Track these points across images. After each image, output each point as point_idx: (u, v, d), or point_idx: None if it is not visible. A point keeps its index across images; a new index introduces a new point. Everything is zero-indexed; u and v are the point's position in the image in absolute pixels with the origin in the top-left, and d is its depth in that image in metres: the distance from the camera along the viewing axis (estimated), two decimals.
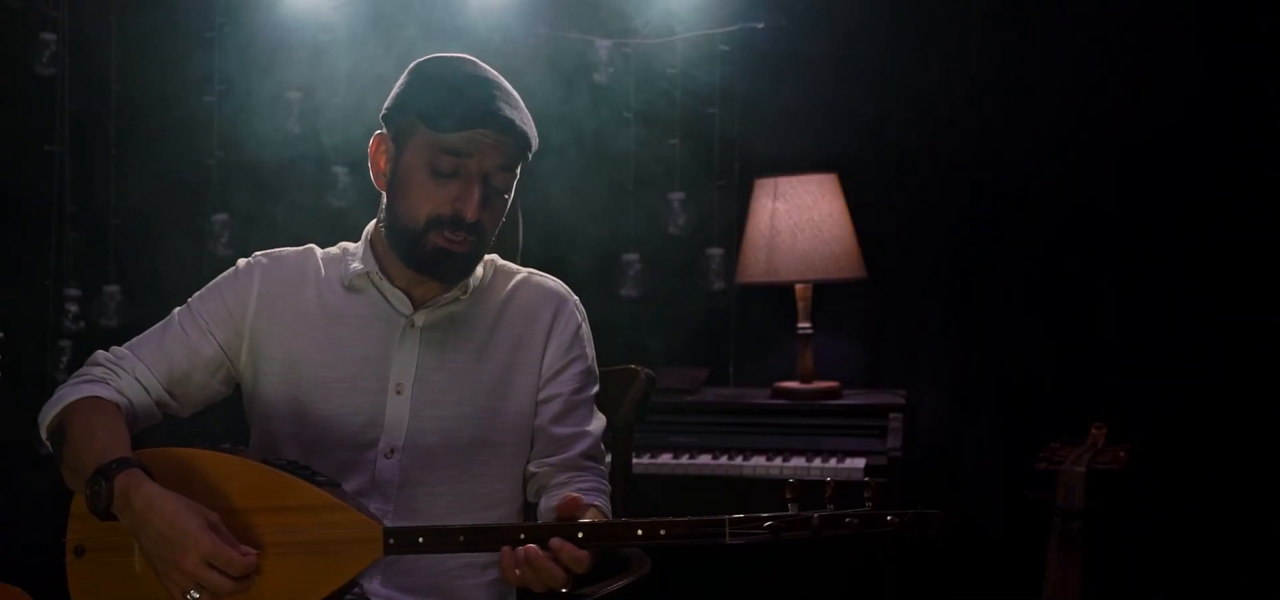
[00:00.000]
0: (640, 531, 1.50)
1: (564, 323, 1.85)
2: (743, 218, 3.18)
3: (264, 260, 1.86)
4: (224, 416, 1.97)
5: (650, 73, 3.35)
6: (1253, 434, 3.01)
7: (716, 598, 3.26)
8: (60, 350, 3.30)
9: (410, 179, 1.71)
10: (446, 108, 1.68)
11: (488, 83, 1.73)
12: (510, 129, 1.69)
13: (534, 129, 1.77)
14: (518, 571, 1.51)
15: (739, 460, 2.91)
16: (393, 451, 1.77)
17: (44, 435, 1.75)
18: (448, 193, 1.69)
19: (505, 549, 1.51)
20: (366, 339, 1.79)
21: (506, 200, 1.78)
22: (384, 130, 1.78)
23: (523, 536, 1.52)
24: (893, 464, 2.82)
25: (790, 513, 1.48)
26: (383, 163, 1.77)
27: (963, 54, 3.25)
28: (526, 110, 1.77)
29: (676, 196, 3.31)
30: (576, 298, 1.90)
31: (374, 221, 1.84)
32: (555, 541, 1.49)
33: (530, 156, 1.78)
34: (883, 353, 3.34)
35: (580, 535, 1.51)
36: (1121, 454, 2.45)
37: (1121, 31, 3.14)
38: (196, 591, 1.50)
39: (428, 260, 1.72)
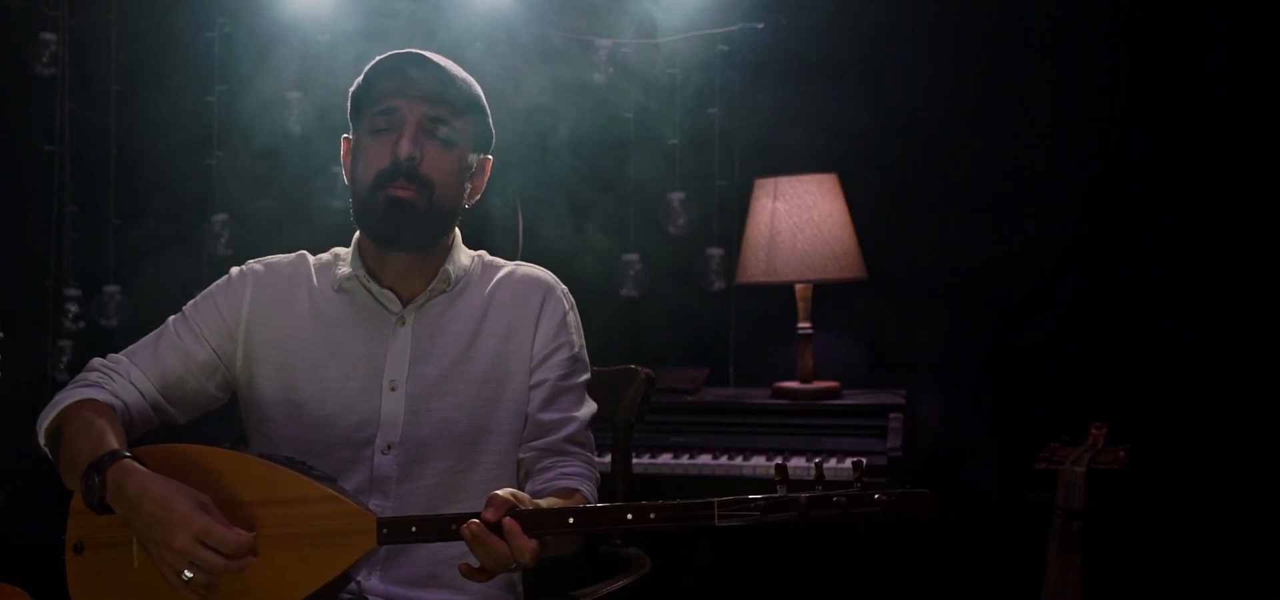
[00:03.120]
0: (630, 516, 1.51)
1: (551, 310, 1.87)
2: (743, 218, 3.18)
3: (258, 268, 1.90)
4: (220, 423, 1.97)
5: (650, 72, 3.34)
6: (1253, 434, 3.01)
7: None
8: (60, 350, 3.31)
9: (358, 152, 1.81)
10: (375, 68, 1.80)
11: (419, 50, 1.82)
12: (424, 64, 1.78)
13: (469, 81, 1.83)
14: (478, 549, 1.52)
15: (739, 460, 2.91)
16: (390, 447, 1.78)
17: (42, 440, 1.77)
18: (386, 146, 1.77)
19: (464, 526, 1.52)
20: (358, 338, 1.82)
21: (456, 156, 1.80)
22: (348, 133, 1.87)
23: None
24: (893, 464, 2.81)
25: (778, 495, 1.48)
26: (348, 160, 1.86)
27: (963, 53, 3.25)
28: (471, 78, 1.83)
29: (676, 196, 3.30)
30: (564, 286, 1.92)
31: None
32: (509, 524, 1.50)
33: (477, 113, 1.83)
34: (883, 353, 3.34)
35: (571, 519, 1.52)
36: (1121, 454, 2.44)
37: (1122, 31, 3.14)
38: (190, 571, 1.50)
39: (382, 218, 1.77)
